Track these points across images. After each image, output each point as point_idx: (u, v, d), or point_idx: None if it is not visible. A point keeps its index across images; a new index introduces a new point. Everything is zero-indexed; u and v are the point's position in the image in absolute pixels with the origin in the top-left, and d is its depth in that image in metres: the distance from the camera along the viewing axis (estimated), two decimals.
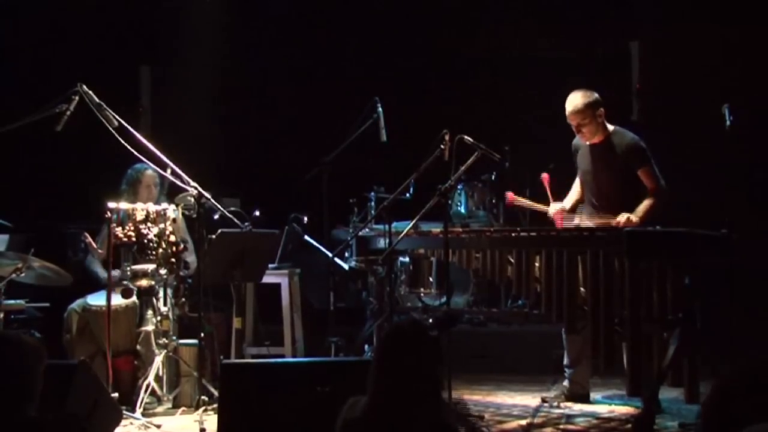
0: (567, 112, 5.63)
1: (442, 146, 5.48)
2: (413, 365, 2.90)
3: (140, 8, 8.58)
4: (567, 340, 5.80)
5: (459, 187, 7.60)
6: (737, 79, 7.57)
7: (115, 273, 5.56)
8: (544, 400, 5.81)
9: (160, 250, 5.60)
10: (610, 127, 5.72)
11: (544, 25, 8.64)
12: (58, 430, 2.89)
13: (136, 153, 5.23)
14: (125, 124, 5.17)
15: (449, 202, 6.37)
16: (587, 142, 5.72)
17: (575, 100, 5.61)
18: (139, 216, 5.58)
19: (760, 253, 6.73)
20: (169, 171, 5.47)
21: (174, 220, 5.68)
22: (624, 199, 5.57)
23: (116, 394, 5.19)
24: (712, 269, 5.31)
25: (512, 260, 5.50)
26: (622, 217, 5.42)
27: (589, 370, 5.83)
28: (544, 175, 5.99)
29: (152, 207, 5.67)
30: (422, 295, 7.51)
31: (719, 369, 2.34)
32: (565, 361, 5.86)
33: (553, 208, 5.88)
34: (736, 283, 6.49)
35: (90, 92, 5.14)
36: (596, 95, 5.64)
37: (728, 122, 5.19)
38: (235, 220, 5.79)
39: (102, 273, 6.04)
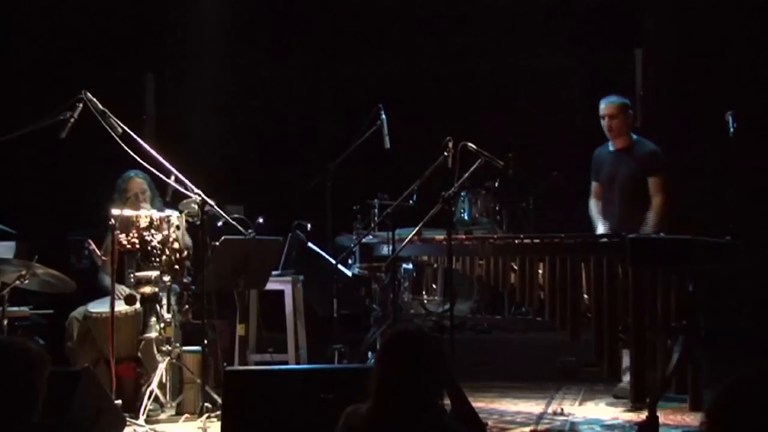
0: (601, 107, 5.95)
1: (445, 153, 5.47)
2: (414, 370, 2.89)
3: (146, 16, 8.59)
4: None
5: (462, 194, 7.59)
6: (741, 87, 7.56)
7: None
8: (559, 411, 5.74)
9: (164, 257, 5.59)
10: (634, 136, 6.01)
11: (548, 33, 8.64)
12: None
13: (140, 160, 5.23)
14: (129, 132, 5.17)
15: (453, 209, 6.37)
16: (612, 148, 5.98)
17: (610, 97, 5.99)
18: (143, 223, 5.57)
19: (764, 259, 6.72)
20: (173, 178, 5.47)
21: (177, 227, 5.68)
22: (635, 209, 5.73)
23: (119, 401, 5.19)
24: (716, 276, 5.31)
25: (516, 267, 5.50)
26: None
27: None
28: None
29: (156, 214, 5.66)
30: (426, 301, 7.51)
31: (723, 376, 2.33)
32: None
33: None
34: (741, 290, 6.49)
35: (94, 99, 5.15)
36: (628, 101, 6.09)
37: (732, 129, 5.19)
38: (239, 227, 5.79)
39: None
